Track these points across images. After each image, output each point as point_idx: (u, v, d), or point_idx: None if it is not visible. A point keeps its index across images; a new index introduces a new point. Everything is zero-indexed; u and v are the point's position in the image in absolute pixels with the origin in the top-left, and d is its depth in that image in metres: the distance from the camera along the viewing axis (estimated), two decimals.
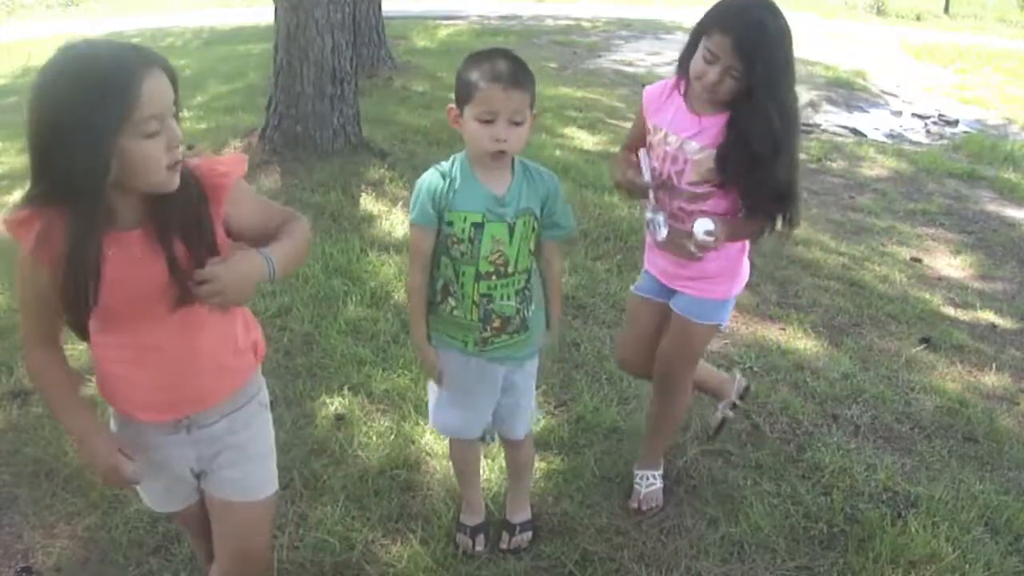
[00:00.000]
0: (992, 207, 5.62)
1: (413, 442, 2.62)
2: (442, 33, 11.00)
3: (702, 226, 1.91)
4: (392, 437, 2.63)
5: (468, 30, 11.42)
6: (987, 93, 9.14)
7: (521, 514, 2.25)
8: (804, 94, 8.31)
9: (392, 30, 8.59)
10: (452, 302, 1.89)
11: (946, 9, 16.61)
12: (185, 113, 6.54)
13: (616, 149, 6.60)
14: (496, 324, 1.89)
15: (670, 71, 2.13)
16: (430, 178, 1.84)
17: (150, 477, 1.55)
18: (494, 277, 1.85)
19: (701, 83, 1.92)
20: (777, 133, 1.88)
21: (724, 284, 2.16)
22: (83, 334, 1.41)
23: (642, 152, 2.10)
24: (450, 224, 1.82)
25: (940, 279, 4.38)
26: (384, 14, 7.85)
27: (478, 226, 1.81)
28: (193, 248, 1.36)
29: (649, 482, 2.41)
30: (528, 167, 1.88)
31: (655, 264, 2.23)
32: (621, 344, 2.53)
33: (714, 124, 1.97)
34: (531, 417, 2.16)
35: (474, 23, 12.17)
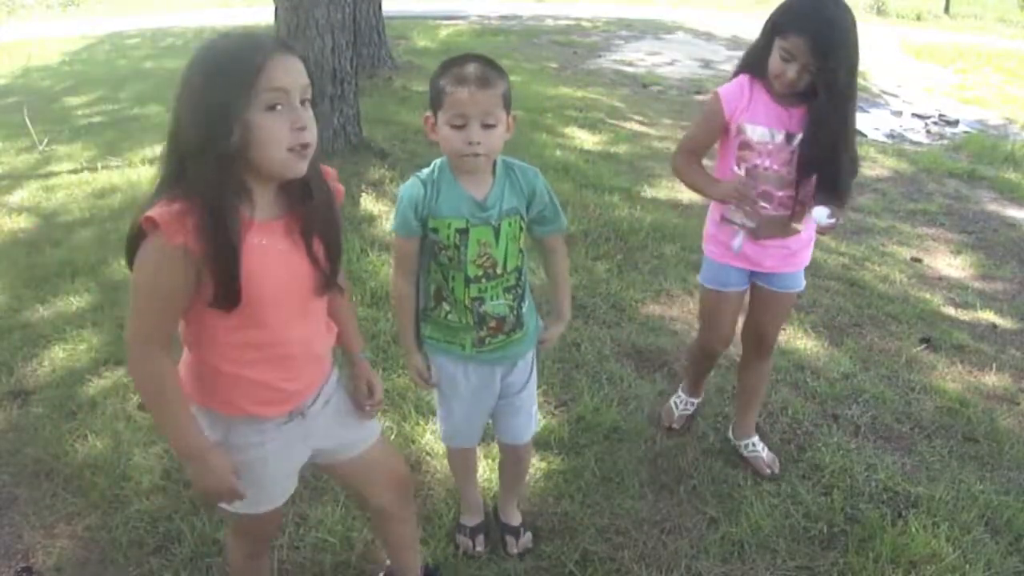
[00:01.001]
0: (992, 207, 5.62)
1: (413, 442, 2.62)
2: (442, 33, 11.00)
3: (823, 213, 2.09)
4: (392, 437, 2.63)
5: (468, 30, 11.43)
6: (987, 93, 9.14)
7: (517, 515, 2.25)
8: None
9: (392, 30, 8.60)
10: (446, 307, 1.88)
11: (946, 9, 16.61)
12: None
13: (616, 149, 6.54)
14: (492, 324, 1.88)
15: (671, 71, 2.21)
16: (411, 187, 1.82)
17: (258, 481, 1.56)
18: (484, 280, 1.84)
19: (780, 81, 2.08)
20: (846, 117, 2.10)
21: (807, 251, 2.39)
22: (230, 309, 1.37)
23: (819, 210, 2.14)
24: (435, 231, 1.80)
25: (940, 279, 4.38)
26: (384, 14, 7.85)
27: (462, 231, 1.79)
28: (329, 243, 1.46)
29: (762, 445, 2.62)
30: (510, 166, 1.87)
31: (745, 256, 2.33)
32: (717, 338, 2.53)
33: (801, 114, 2.13)
34: (535, 423, 2.15)
35: (474, 23, 12.18)
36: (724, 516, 2.36)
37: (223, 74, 1.28)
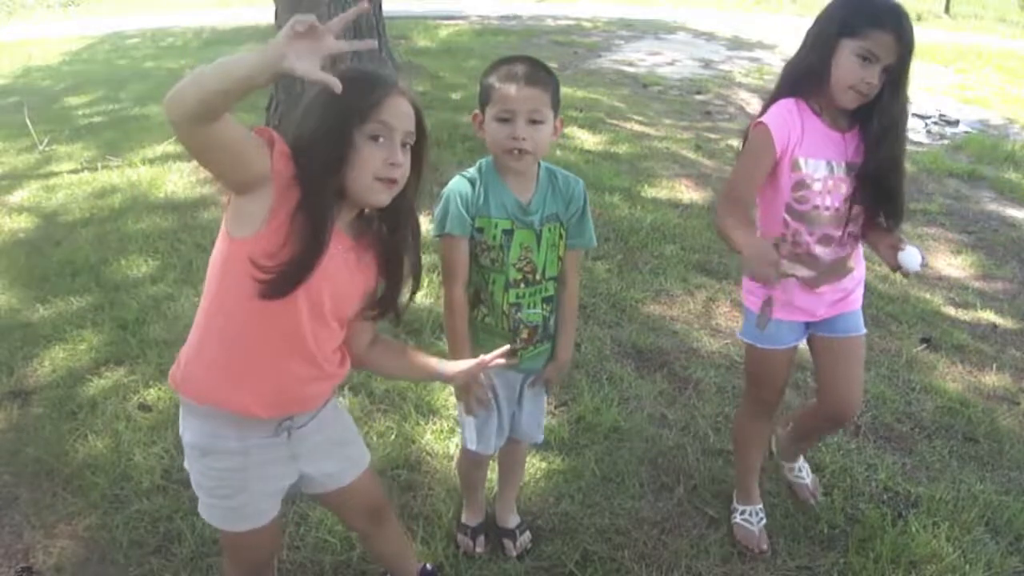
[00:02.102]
0: (993, 207, 5.61)
1: (413, 442, 2.62)
2: (443, 33, 10.99)
3: (915, 259, 1.82)
4: (392, 437, 2.63)
5: (469, 30, 11.41)
6: (988, 93, 9.13)
7: (514, 517, 2.25)
8: None
9: (392, 30, 8.59)
10: (484, 309, 1.88)
11: (946, 9, 16.59)
12: None
13: (616, 149, 6.52)
14: (525, 336, 1.88)
15: (671, 71, 2.14)
16: (459, 186, 1.80)
17: (236, 494, 1.56)
18: (523, 285, 1.84)
19: (856, 89, 1.80)
20: (900, 130, 1.86)
21: (861, 289, 2.11)
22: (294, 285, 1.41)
23: (909, 251, 1.85)
24: (480, 231, 1.80)
25: (941, 279, 4.37)
26: (384, 14, 7.84)
27: (508, 232, 1.80)
28: (391, 283, 1.56)
29: (807, 470, 2.45)
30: (554, 173, 1.87)
31: (799, 308, 2.05)
32: (772, 399, 2.23)
33: (855, 136, 1.89)
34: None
35: (474, 23, 12.16)
36: (724, 516, 2.36)
37: (346, 97, 1.32)
